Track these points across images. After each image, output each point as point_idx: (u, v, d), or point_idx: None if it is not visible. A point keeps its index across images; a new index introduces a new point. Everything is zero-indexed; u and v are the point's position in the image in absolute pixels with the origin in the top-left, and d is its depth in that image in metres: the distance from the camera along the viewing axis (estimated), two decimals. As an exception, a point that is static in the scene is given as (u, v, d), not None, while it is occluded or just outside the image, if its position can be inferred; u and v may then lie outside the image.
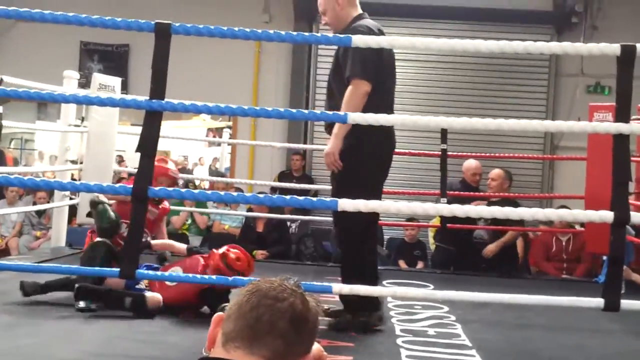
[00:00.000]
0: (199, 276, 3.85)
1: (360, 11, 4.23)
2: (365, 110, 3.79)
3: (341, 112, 3.71)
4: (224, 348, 1.34)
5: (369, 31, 3.97)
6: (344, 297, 4.09)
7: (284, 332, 1.32)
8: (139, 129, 8.33)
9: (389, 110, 4.09)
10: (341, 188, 3.96)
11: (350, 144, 3.95)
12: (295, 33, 3.89)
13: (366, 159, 4.02)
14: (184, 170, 12.25)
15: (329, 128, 4.12)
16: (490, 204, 6.34)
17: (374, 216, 4.06)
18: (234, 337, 1.33)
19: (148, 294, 4.06)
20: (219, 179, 9.92)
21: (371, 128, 3.79)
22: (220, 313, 1.42)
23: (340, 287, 3.73)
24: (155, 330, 3.85)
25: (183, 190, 3.82)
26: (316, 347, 1.43)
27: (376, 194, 4.03)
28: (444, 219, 6.47)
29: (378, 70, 4.01)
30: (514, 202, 6.57)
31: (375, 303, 4.09)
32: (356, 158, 3.98)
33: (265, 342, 1.32)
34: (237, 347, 1.32)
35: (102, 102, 3.92)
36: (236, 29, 3.70)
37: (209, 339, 1.41)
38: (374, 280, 4.08)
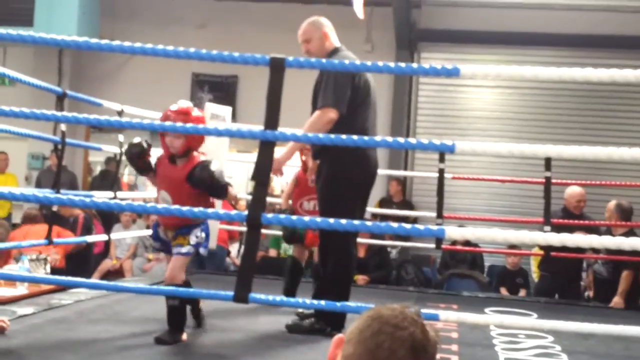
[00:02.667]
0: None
1: (338, 44, 4.55)
2: (331, 130, 4.07)
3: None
4: None
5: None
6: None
7: None
8: (245, 156, 8.59)
9: (361, 134, 4.18)
10: (324, 213, 4.23)
11: (328, 172, 4.37)
12: (404, 65, 3.99)
13: (342, 186, 4.34)
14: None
15: (315, 154, 4.53)
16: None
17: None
18: None
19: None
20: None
21: (346, 156, 4.19)
22: (340, 335, 1.46)
23: (447, 315, 3.76)
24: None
25: (294, 217, 3.95)
26: None
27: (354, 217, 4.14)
28: (548, 247, 6.40)
29: (352, 99, 4.29)
30: (632, 233, 6.43)
31: (342, 322, 4.32)
32: (334, 185, 4.35)
33: None
34: None
35: (219, 133, 4.12)
36: (346, 61, 3.85)
37: None
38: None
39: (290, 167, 11.41)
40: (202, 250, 4.08)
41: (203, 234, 4.06)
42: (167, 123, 3.84)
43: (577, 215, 6.96)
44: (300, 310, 4.70)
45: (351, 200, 4.39)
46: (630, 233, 6.55)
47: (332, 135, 3.77)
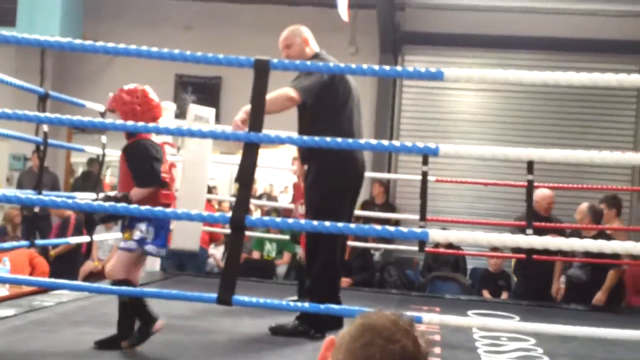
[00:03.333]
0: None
1: (318, 49, 4.60)
2: (315, 134, 3.90)
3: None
4: None
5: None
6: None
7: None
8: (228, 158, 8.56)
9: (347, 137, 4.17)
10: (310, 216, 4.28)
11: (315, 175, 4.39)
12: (388, 68, 4.00)
13: (329, 188, 4.37)
14: (270, 197, 12.50)
15: (303, 159, 4.57)
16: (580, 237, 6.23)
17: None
18: None
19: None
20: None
21: (333, 159, 4.23)
22: (332, 337, 1.44)
23: (430, 318, 3.77)
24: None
25: (278, 219, 3.96)
26: None
27: (342, 220, 4.11)
28: (529, 250, 6.41)
29: (332, 102, 4.36)
30: (606, 236, 6.46)
31: (325, 324, 4.33)
32: (320, 188, 4.38)
33: None
34: None
35: (203, 135, 4.10)
36: (331, 64, 3.86)
37: None
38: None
39: (284, 172, 11.28)
40: (149, 248, 3.74)
41: (151, 230, 3.74)
42: (151, 125, 3.81)
43: (545, 217, 6.99)
44: None
45: (337, 202, 4.41)
46: (600, 235, 6.59)
47: (317, 138, 3.77)
